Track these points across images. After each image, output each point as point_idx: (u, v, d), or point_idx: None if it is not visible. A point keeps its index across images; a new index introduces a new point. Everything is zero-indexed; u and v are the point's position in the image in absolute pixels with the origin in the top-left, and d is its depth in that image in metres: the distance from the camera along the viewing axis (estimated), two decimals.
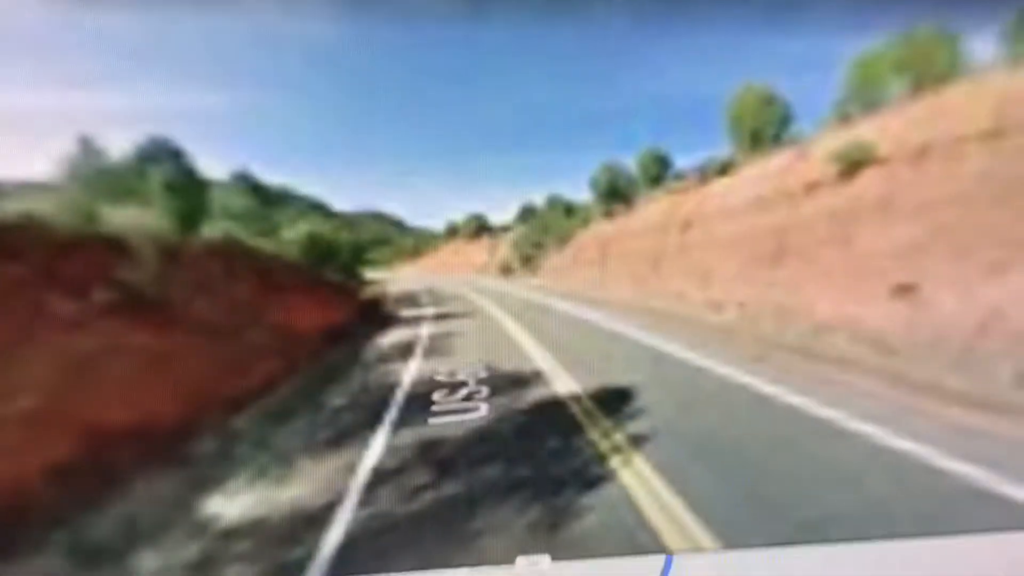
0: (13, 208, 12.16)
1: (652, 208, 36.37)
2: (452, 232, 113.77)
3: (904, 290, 13.96)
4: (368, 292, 39.72)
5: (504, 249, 75.13)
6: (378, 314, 31.06)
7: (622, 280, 36.02)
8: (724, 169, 29.91)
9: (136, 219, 15.79)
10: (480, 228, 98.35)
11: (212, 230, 21.27)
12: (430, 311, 31.38)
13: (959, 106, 14.77)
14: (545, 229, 61.71)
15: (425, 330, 22.67)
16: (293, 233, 32.23)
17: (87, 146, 15.91)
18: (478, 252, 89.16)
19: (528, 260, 63.46)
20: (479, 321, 24.96)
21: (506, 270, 69.15)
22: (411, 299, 41.31)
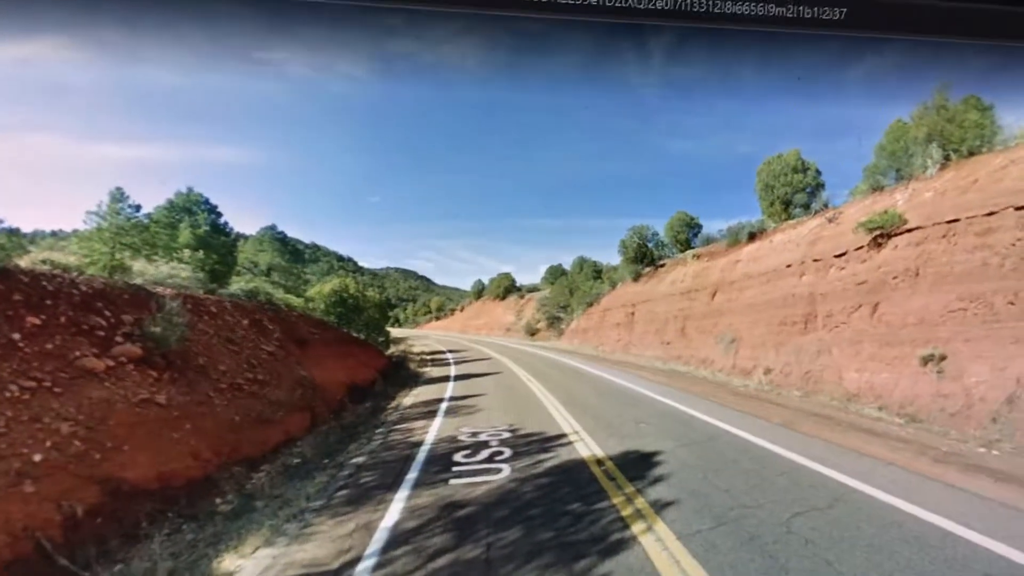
0: (41, 257, 12.36)
1: (680, 272, 36.41)
2: (479, 291, 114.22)
3: (932, 360, 13.77)
4: (393, 350, 39.80)
5: (531, 309, 75.27)
6: (402, 372, 30.89)
7: (649, 343, 35.97)
8: (753, 235, 29.89)
9: (165, 272, 15.96)
10: (508, 288, 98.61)
11: (241, 284, 21.44)
12: (454, 371, 31.33)
13: (991, 177, 14.70)
14: (572, 291, 61.86)
15: (449, 390, 22.56)
16: (319, 289, 32.46)
17: (119, 198, 16.16)
18: (505, 312, 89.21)
19: (555, 321, 63.49)
20: (503, 381, 24.78)
21: (532, 331, 69.15)
22: (436, 358, 41.09)
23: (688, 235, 44.18)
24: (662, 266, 42.08)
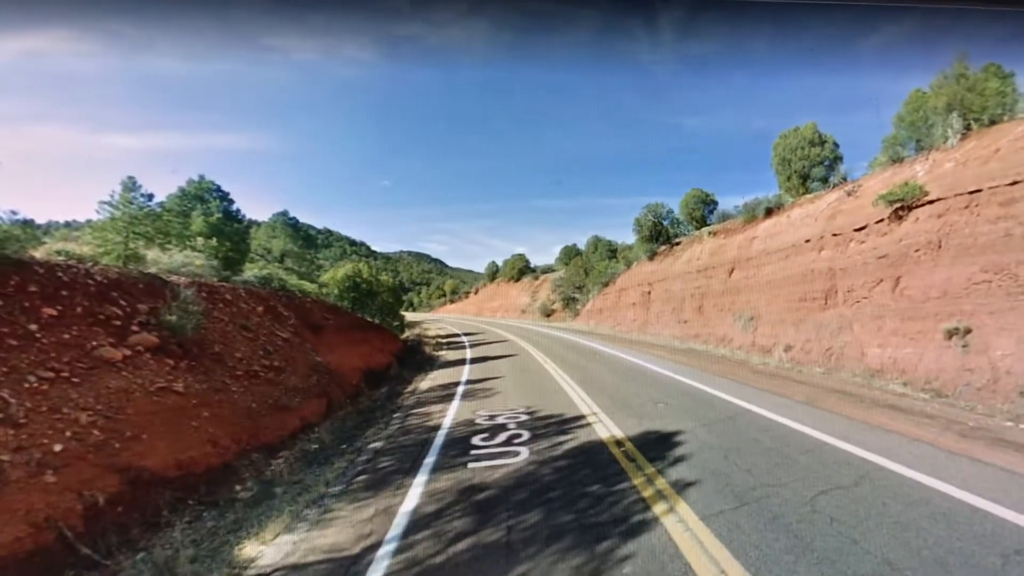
0: (56, 248, 12.37)
1: (696, 249, 36.22)
2: (493, 273, 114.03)
3: (957, 334, 13.60)
4: (408, 334, 39.93)
5: (546, 291, 75.14)
6: (418, 356, 30.96)
7: (666, 323, 35.84)
8: (770, 210, 29.61)
9: (179, 260, 15.96)
10: (522, 269, 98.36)
11: (254, 271, 21.46)
12: (470, 354, 31.37)
13: (1013, 146, 14.44)
14: (587, 271, 61.71)
15: (465, 373, 22.53)
16: (333, 274, 32.49)
17: (131, 187, 16.15)
18: (520, 293, 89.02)
19: (570, 302, 63.35)
20: (520, 363, 24.75)
21: (548, 312, 69.05)
22: (451, 342, 42.28)
23: (703, 212, 43.92)
24: (678, 244, 41.84)
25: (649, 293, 41.55)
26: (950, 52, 18.81)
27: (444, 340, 42.59)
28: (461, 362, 27.09)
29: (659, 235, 45.32)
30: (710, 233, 36.28)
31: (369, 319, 31.08)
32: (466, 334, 48.13)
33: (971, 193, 14.85)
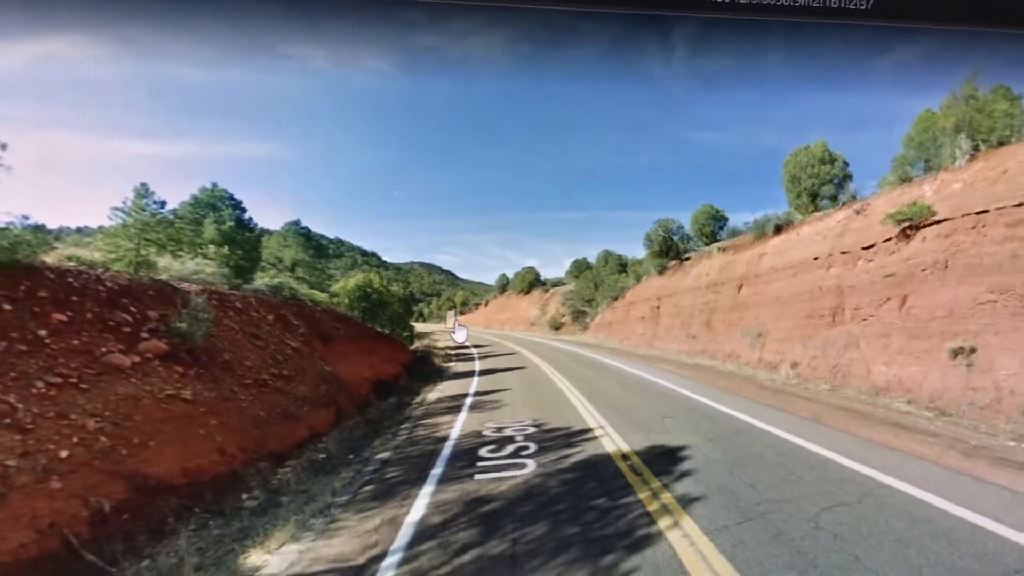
0: (67, 254, 12.46)
1: (706, 265, 36.26)
2: (503, 286, 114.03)
3: (962, 353, 13.59)
4: (417, 344, 40.06)
5: (555, 304, 75.15)
6: (427, 367, 30.92)
7: (674, 337, 35.91)
8: (780, 227, 29.64)
9: (190, 267, 16.05)
10: (532, 282, 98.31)
11: (265, 279, 21.54)
12: (479, 365, 31.48)
13: (1021, 167, 14.44)
14: (597, 284, 61.77)
15: (474, 385, 22.56)
16: (344, 284, 32.58)
17: (143, 194, 16.24)
18: (529, 306, 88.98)
19: (579, 315, 63.32)
20: (528, 376, 24.82)
21: (557, 325, 69.01)
22: (461, 353, 41.35)
23: (714, 228, 44.01)
24: (687, 259, 41.89)
25: (658, 308, 41.61)
26: (963, 73, 18.84)
27: (454, 352, 42.63)
28: (470, 374, 27.10)
29: (669, 250, 45.38)
30: (720, 249, 36.36)
31: (379, 329, 31.13)
32: (475, 346, 48.21)
33: (978, 214, 14.85)
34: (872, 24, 5.53)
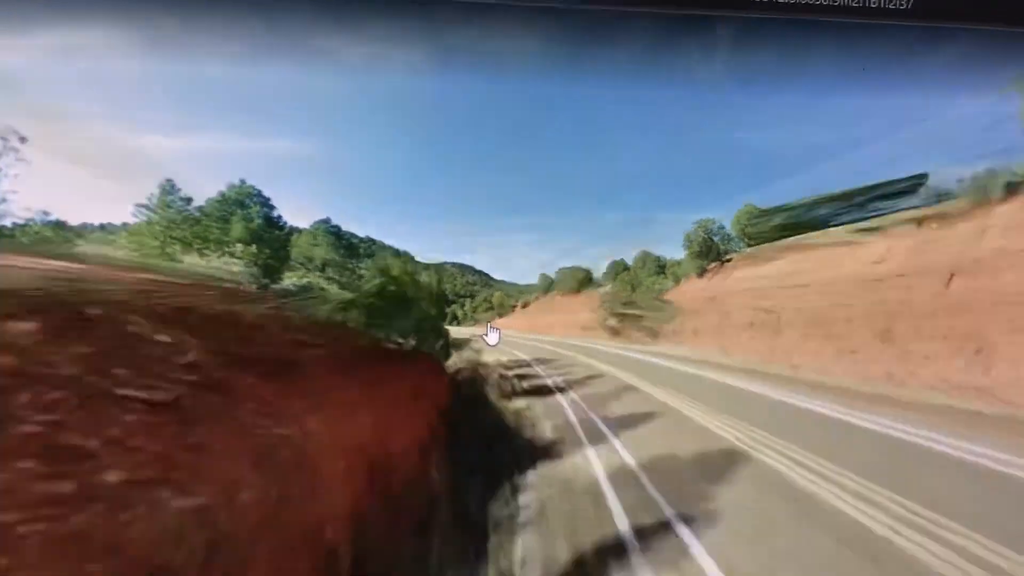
0: (90, 251, 11.88)
1: (875, 249, 26.91)
2: (548, 285, 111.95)
3: None
4: (455, 358, 27.82)
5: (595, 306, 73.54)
6: (481, 413, 17.54)
7: (810, 351, 24.24)
8: (1014, 186, 21.30)
9: (216, 266, 15.58)
10: (583, 281, 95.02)
11: (293, 279, 20.92)
12: (572, 412, 17.33)
13: None
14: (634, 286, 60.89)
15: (601, 476, 10.81)
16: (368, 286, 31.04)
17: (169, 190, 15.67)
18: (580, 308, 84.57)
19: (632, 319, 61.13)
20: (695, 434, 13.53)
21: (615, 331, 64.86)
22: (523, 374, 28.15)
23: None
24: (728, 261, 40.56)
25: (774, 312, 31.43)
26: (1009, 73, 17.82)
27: (512, 373, 27.90)
28: (571, 431, 14.65)
29: (711, 251, 44.39)
30: (917, 221, 25.54)
31: (395, 342, 18.46)
32: (537, 360, 34.39)
33: None
34: (912, 24, 5.75)
